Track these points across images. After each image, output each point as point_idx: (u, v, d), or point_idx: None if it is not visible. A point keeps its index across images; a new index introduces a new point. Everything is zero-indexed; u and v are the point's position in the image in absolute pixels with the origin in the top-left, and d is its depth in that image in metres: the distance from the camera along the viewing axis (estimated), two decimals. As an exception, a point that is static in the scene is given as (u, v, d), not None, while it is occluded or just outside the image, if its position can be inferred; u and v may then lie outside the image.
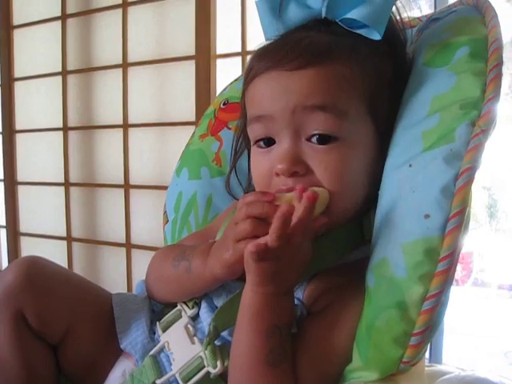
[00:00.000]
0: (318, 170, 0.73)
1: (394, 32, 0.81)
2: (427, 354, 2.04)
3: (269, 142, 0.77)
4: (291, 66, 0.73)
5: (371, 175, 0.76)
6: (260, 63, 0.77)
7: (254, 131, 0.79)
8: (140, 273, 2.18)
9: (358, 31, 0.75)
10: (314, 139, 0.73)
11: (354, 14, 0.74)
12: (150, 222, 2.21)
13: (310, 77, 0.72)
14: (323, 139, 0.73)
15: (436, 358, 2.04)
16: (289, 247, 0.65)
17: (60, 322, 0.86)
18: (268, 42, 0.81)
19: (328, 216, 0.71)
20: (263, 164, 0.77)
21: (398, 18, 0.82)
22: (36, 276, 0.85)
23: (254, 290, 0.69)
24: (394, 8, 0.80)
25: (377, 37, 0.74)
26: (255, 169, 0.80)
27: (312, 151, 0.73)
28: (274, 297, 0.69)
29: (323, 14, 0.77)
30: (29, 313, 0.83)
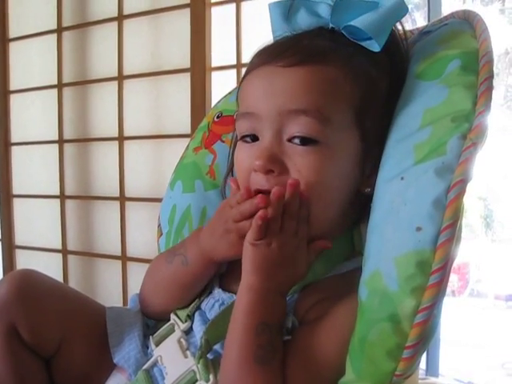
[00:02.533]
0: (293, 172, 0.74)
1: (395, 45, 0.81)
2: (424, 366, 2.03)
3: (254, 138, 0.79)
4: (285, 62, 0.74)
5: (354, 185, 0.77)
6: (258, 58, 0.80)
7: (241, 127, 0.80)
8: (136, 285, 2.16)
9: (360, 42, 0.76)
10: (296, 140, 0.74)
11: (357, 22, 0.75)
12: (145, 235, 2.20)
13: (301, 76, 0.74)
14: (304, 141, 0.74)
15: (433, 369, 2.04)
16: (281, 234, 0.72)
17: (53, 336, 0.86)
18: (271, 42, 0.83)
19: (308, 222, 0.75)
20: (244, 159, 0.79)
21: (400, 29, 0.83)
22: (29, 289, 0.85)
23: (248, 284, 0.72)
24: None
25: (376, 48, 0.75)
26: (237, 162, 0.82)
27: (291, 151, 0.74)
28: (267, 293, 0.72)
29: (330, 24, 0.79)
30: (21, 326, 0.83)
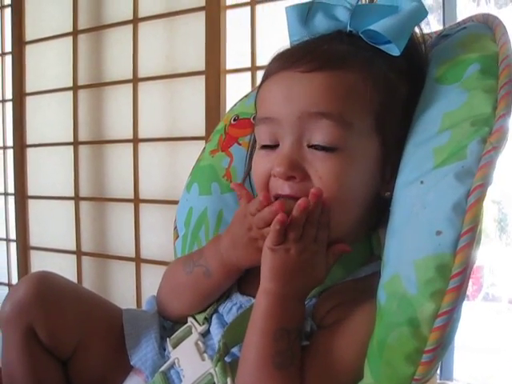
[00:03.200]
0: (314, 178, 0.73)
1: (415, 49, 0.81)
2: (438, 371, 2.02)
3: (273, 142, 0.78)
4: (304, 67, 0.74)
5: (374, 190, 0.77)
6: (276, 64, 0.79)
7: (261, 134, 0.79)
8: (149, 287, 2.17)
9: (379, 46, 0.76)
10: (316, 144, 0.74)
11: (376, 27, 0.75)
12: (159, 237, 2.21)
13: (321, 81, 0.73)
14: (325, 148, 0.73)
15: (447, 374, 2.03)
16: (301, 240, 0.71)
17: (70, 338, 0.86)
18: (289, 47, 0.83)
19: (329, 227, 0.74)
20: (263, 164, 0.78)
21: (418, 33, 0.82)
22: (46, 291, 0.85)
23: (267, 289, 0.72)
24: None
25: (396, 52, 0.75)
26: (256, 168, 0.81)
27: (312, 157, 0.74)
28: (285, 299, 0.71)
29: (348, 27, 0.79)
30: (39, 328, 0.83)
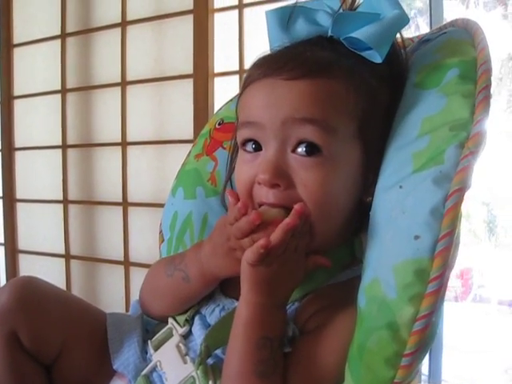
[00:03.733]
0: (299, 186, 0.73)
1: (396, 55, 0.81)
2: (426, 372, 2.03)
3: (256, 146, 0.77)
4: (287, 75, 0.73)
5: (356, 196, 0.77)
6: (258, 70, 0.78)
7: (242, 135, 0.79)
8: (138, 290, 2.16)
9: (361, 53, 0.76)
10: (300, 150, 0.73)
11: (358, 34, 0.75)
12: (148, 240, 2.20)
13: (304, 88, 0.73)
14: (309, 149, 0.72)
15: (435, 375, 2.04)
16: (283, 255, 0.70)
17: (53, 343, 0.86)
18: (269, 52, 0.82)
19: (311, 235, 0.74)
20: (247, 170, 0.77)
21: (399, 38, 0.82)
22: (29, 296, 0.85)
23: (247, 299, 0.72)
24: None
25: (378, 60, 0.75)
26: (239, 174, 0.80)
27: (296, 164, 0.73)
28: (266, 308, 0.72)
29: (329, 33, 0.78)
30: (22, 333, 0.83)
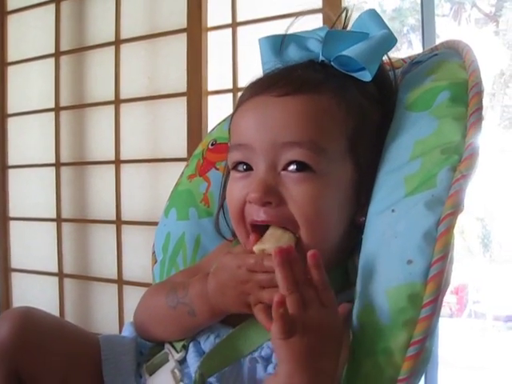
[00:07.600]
0: (290, 202, 0.73)
1: (384, 77, 0.82)
2: (422, 389, 2.02)
3: (247, 167, 0.77)
4: (278, 92, 0.74)
5: (349, 214, 0.77)
6: (250, 90, 0.80)
7: (233, 157, 0.79)
8: (132, 309, 2.12)
9: (351, 73, 0.77)
10: (291, 168, 0.73)
11: (348, 52, 0.76)
12: (141, 258, 2.19)
13: (294, 106, 0.73)
14: (300, 167, 0.72)
15: (431, 392, 2.02)
16: (307, 316, 0.63)
17: (54, 380, 0.84)
18: (262, 75, 0.83)
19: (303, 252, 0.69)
20: (238, 190, 0.77)
21: (386, 61, 0.83)
22: (31, 333, 0.81)
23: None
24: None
25: (367, 78, 0.75)
26: (230, 194, 0.80)
27: (287, 180, 0.73)
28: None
29: (320, 56, 0.79)
30: (24, 372, 0.80)
